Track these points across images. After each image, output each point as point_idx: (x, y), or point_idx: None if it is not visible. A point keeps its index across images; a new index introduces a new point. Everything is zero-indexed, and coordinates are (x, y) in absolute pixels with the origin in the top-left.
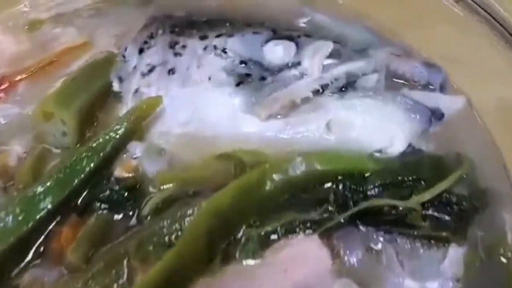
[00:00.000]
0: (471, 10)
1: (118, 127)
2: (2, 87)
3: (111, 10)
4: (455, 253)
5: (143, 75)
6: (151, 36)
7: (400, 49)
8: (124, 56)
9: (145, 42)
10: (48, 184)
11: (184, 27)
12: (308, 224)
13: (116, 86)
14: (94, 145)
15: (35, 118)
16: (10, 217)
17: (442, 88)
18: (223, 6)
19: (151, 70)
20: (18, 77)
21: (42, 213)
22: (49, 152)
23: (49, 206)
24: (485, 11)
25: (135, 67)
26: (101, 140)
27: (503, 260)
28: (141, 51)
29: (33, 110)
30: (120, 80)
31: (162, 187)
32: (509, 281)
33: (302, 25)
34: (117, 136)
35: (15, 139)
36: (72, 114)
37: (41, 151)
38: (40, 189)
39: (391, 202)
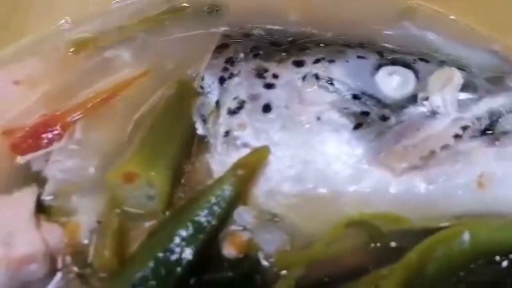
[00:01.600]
0: None
1: (221, 191)
2: (54, 132)
3: (170, 25)
4: None
5: (231, 113)
6: (232, 61)
7: None
8: (202, 87)
9: (225, 69)
10: (142, 275)
11: (268, 49)
12: None
13: (200, 129)
14: (195, 218)
15: (113, 180)
16: None
17: None
18: (305, 20)
19: (240, 106)
20: (70, 118)
21: None
22: (128, 217)
23: None
24: None
25: (218, 102)
26: (203, 209)
27: None
28: (221, 80)
29: (111, 171)
30: (204, 120)
31: (283, 272)
32: None
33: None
34: (224, 204)
35: (81, 203)
36: (162, 173)
37: (119, 221)
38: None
39: None
